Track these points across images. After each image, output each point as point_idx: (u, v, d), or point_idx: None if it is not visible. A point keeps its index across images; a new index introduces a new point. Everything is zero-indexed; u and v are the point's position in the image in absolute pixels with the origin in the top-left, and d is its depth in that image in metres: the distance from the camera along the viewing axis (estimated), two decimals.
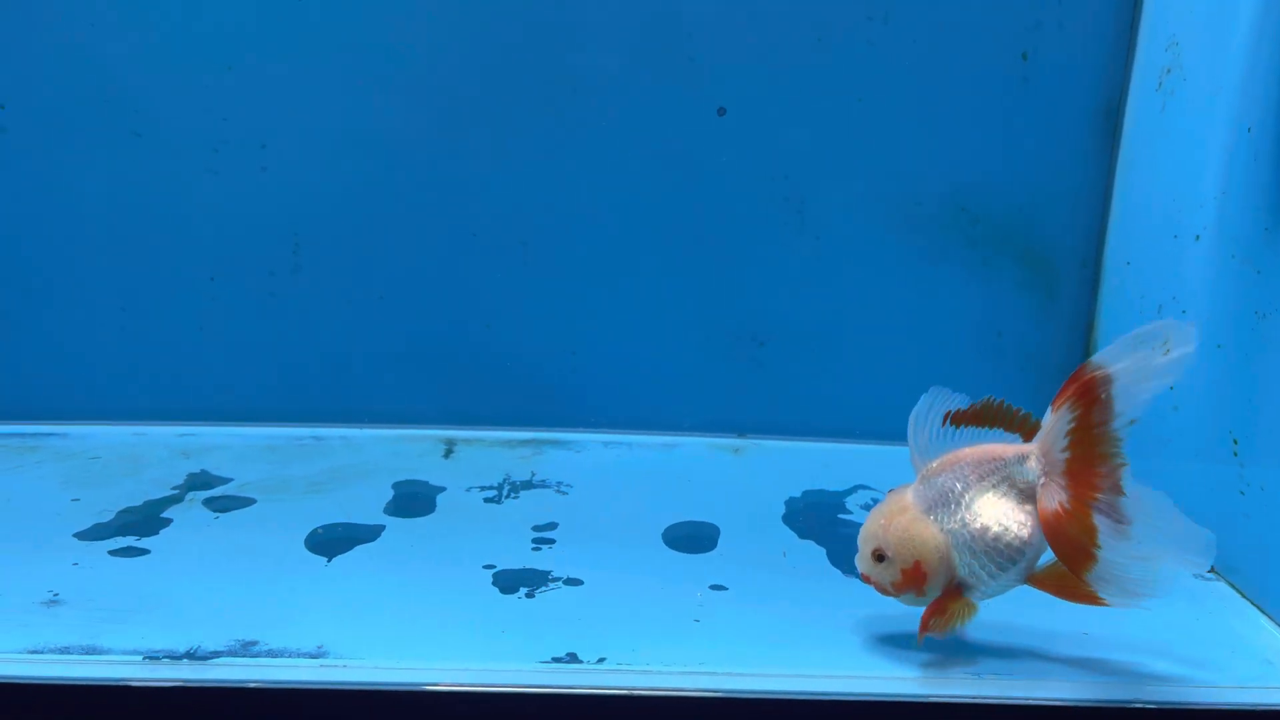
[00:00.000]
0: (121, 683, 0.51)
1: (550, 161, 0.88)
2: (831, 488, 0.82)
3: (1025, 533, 0.53)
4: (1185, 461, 0.73)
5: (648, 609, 0.61)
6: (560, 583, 0.64)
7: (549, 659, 0.55)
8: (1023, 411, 0.55)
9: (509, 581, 0.64)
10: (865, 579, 0.57)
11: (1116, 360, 0.51)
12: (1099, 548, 0.50)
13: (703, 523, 0.74)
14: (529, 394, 0.92)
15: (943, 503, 0.54)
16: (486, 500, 0.77)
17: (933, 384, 0.96)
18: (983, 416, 0.55)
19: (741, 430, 0.93)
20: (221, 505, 0.74)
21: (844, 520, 0.76)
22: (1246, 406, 0.67)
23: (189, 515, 0.72)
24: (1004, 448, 0.54)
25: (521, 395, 0.92)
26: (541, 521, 0.73)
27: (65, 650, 0.54)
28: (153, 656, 0.53)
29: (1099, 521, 0.50)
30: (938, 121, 0.88)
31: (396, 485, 0.79)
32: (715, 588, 0.64)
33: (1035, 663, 0.56)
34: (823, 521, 0.75)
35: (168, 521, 0.70)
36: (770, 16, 0.86)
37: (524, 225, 0.89)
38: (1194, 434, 0.73)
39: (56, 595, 0.59)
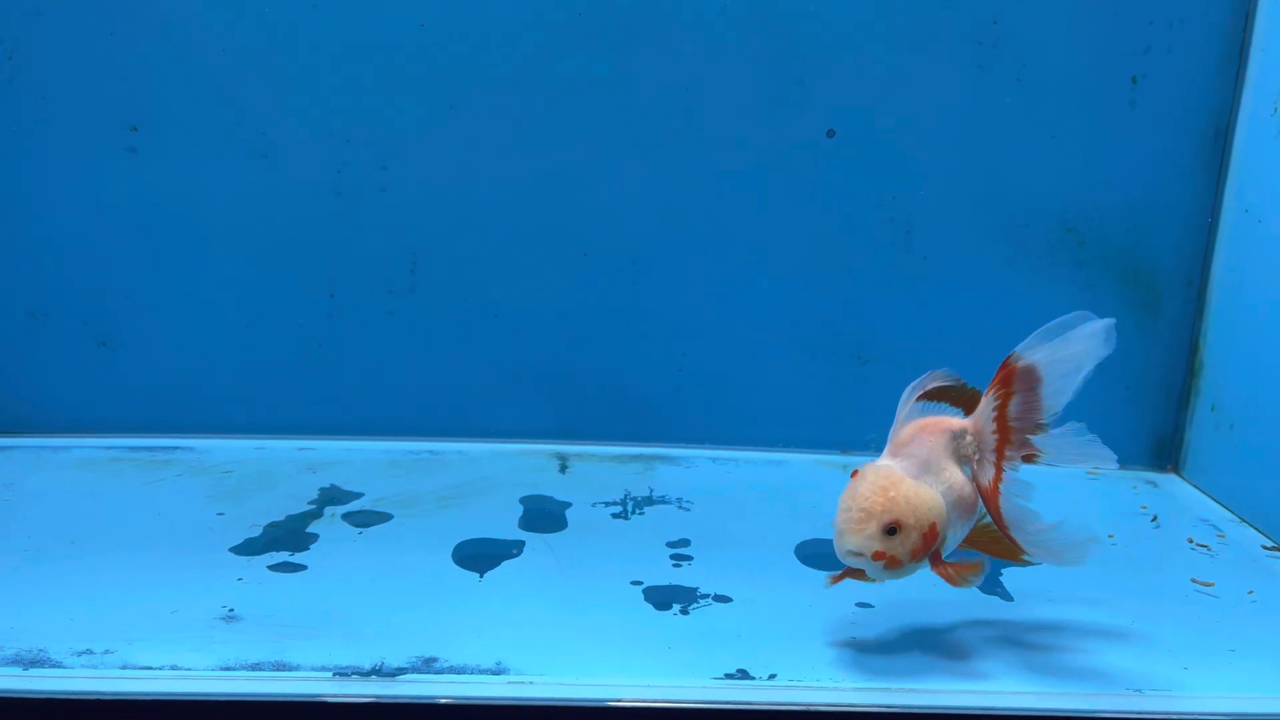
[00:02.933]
0: (316, 699, 0.53)
1: (659, 182, 0.90)
2: None
3: (973, 493, 0.58)
4: None
5: (802, 625, 0.62)
6: (710, 599, 0.65)
7: (721, 675, 0.56)
8: (969, 387, 0.59)
9: (660, 598, 0.65)
10: (850, 573, 0.57)
11: (1035, 352, 0.57)
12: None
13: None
14: (638, 410, 0.94)
15: (926, 469, 0.56)
16: (614, 516, 0.78)
17: None
18: (947, 394, 0.59)
19: (845, 447, 0.94)
20: (361, 520, 0.76)
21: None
22: None
23: (333, 530, 0.74)
24: (950, 420, 0.59)
25: (630, 411, 0.94)
26: (673, 538, 0.75)
27: (256, 666, 0.55)
28: (342, 673, 0.55)
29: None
30: (1045, 143, 0.89)
31: (524, 500, 0.80)
32: (861, 605, 0.65)
33: None
34: None
35: (314, 536, 0.72)
36: (879, 40, 0.88)
37: (633, 244, 0.91)
38: None
39: (232, 611, 0.61)
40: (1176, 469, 0.92)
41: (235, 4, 0.84)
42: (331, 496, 0.80)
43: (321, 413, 0.92)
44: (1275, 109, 0.81)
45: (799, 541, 0.74)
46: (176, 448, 0.88)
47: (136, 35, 0.84)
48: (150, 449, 0.88)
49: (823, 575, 0.69)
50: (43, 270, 0.88)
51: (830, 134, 0.89)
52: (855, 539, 0.54)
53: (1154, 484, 0.90)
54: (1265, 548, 0.77)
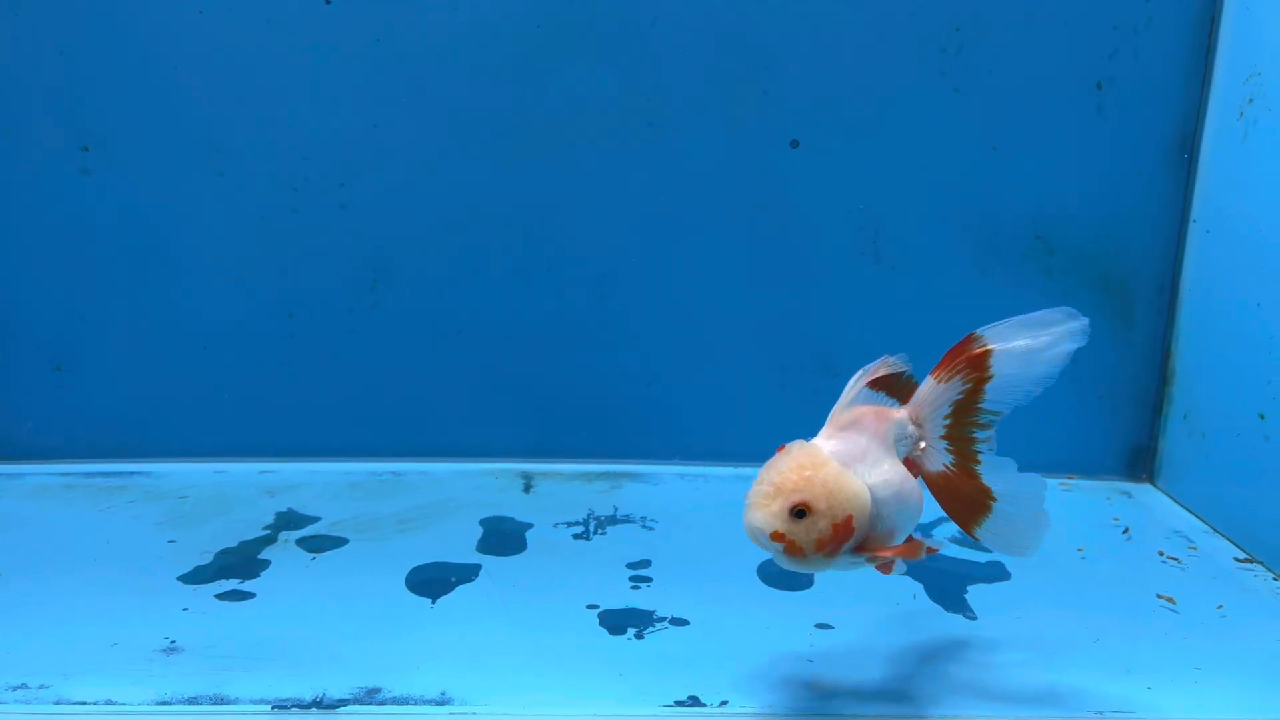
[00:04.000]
0: None
1: (624, 195, 0.88)
2: None
3: (915, 487, 0.54)
4: None
5: (758, 649, 0.61)
6: (666, 622, 0.64)
7: (671, 703, 0.55)
8: (905, 375, 0.56)
9: (615, 622, 0.64)
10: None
11: (1008, 340, 0.53)
12: (995, 500, 0.54)
13: None
14: (605, 426, 0.92)
15: (860, 457, 0.52)
16: (575, 537, 0.77)
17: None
18: (891, 383, 0.56)
19: None
20: (315, 545, 0.74)
21: (936, 555, 0.75)
22: None
23: (286, 556, 0.72)
24: (889, 410, 0.55)
25: (598, 428, 0.92)
26: (634, 559, 0.73)
27: (193, 700, 0.54)
28: (281, 705, 0.53)
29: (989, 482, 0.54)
30: (1012, 151, 0.88)
31: (484, 522, 0.79)
32: (821, 625, 0.64)
33: None
34: None
35: (266, 563, 0.71)
36: (842, 50, 0.87)
37: (598, 259, 0.90)
38: None
39: (174, 643, 0.60)
40: (1151, 479, 0.91)
41: (188, 22, 0.83)
42: (288, 521, 0.78)
43: (283, 434, 0.90)
44: (1241, 113, 0.80)
45: (762, 560, 0.73)
46: (134, 473, 0.87)
47: (87, 54, 0.83)
48: (106, 474, 0.86)
49: (785, 594, 0.69)
50: None
51: (794, 144, 0.88)
52: (758, 514, 0.50)
53: (1128, 494, 0.89)
54: (1237, 559, 0.75)
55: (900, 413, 0.55)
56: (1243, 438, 0.78)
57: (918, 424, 0.55)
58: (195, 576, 0.68)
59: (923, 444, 0.55)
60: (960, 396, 0.54)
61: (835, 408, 0.55)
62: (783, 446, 0.53)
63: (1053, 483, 0.91)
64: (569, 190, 0.88)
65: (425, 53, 0.85)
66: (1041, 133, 0.87)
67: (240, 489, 0.84)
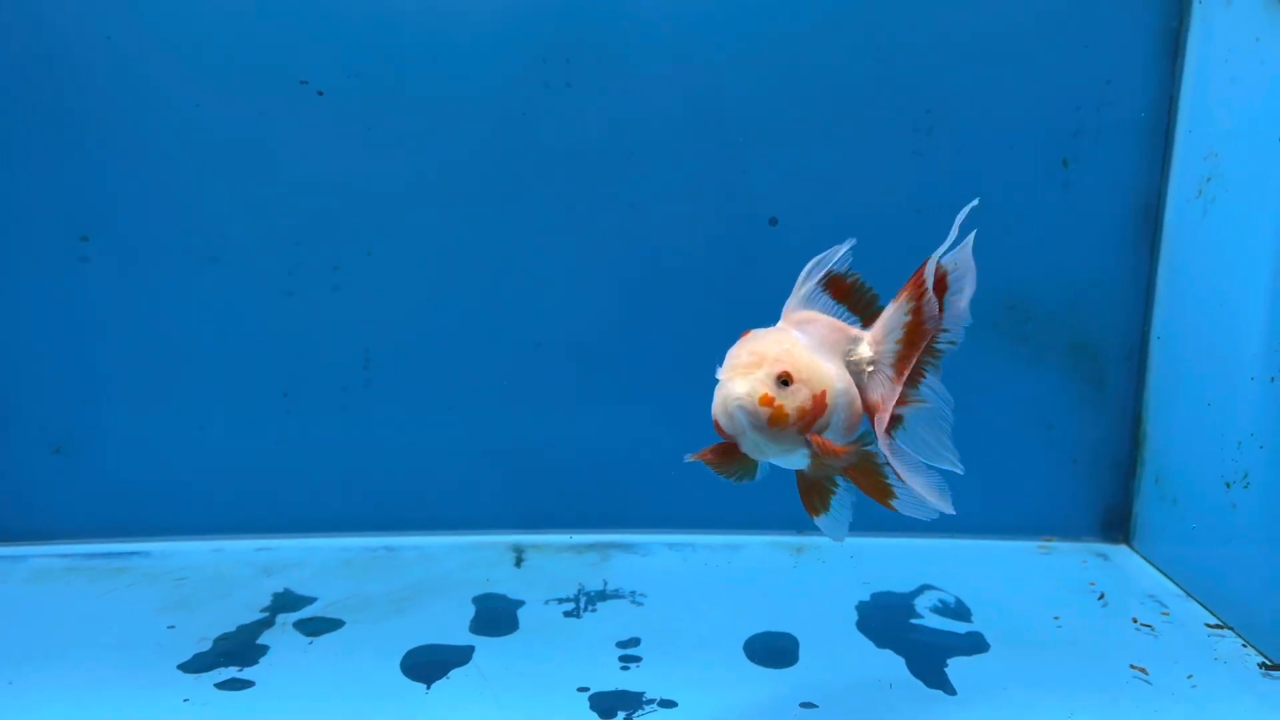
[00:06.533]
0: None
1: (607, 271, 0.91)
2: (898, 589, 0.84)
3: (858, 395, 0.54)
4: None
5: None
6: (655, 704, 0.66)
7: None
8: (870, 294, 0.56)
9: (606, 705, 0.66)
10: (714, 453, 0.53)
11: (960, 265, 0.55)
12: (840, 458, 0.53)
13: (781, 633, 0.76)
14: (593, 495, 0.94)
15: (816, 349, 0.53)
16: (566, 614, 0.79)
17: (985, 476, 0.99)
18: (850, 295, 0.56)
19: (800, 526, 0.95)
20: (312, 629, 0.76)
21: (916, 625, 0.77)
22: None
23: (284, 641, 0.74)
24: (847, 327, 0.56)
25: (586, 497, 0.94)
26: (624, 637, 0.75)
27: None
28: None
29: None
30: (984, 225, 0.90)
31: (476, 600, 0.81)
32: (806, 705, 0.66)
33: None
34: (896, 627, 0.77)
35: (264, 649, 0.73)
36: (820, 129, 0.90)
37: (584, 334, 0.92)
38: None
39: None
40: (1128, 540, 0.93)
41: (185, 115, 0.86)
42: (285, 602, 0.80)
43: (279, 511, 0.92)
44: (1200, 190, 0.83)
45: (747, 637, 0.75)
46: (133, 553, 0.88)
47: (85, 146, 0.86)
48: (106, 555, 0.88)
49: (770, 672, 0.70)
50: None
51: (773, 222, 0.91)
52: (744, 383, 0.49)
53: (1105, 556, 0.91)
54: (1208, 625, 0.78)
55: (856, 331, 0.56)
56: (1210, 504, 0.81)
57: (874, 345, 0.55)
58: (195, 665, 0.70)
59: (871, 367, 0.55)
60: (909, 316, 0.54)
61: (788, 304, 0.55)
62: (747, 331, 0.53)
63: (1031, 545, 0.94)
64: (553, 268, 0.91)
65: (413, 141, 0.88)
66: (1012, 207, 0.90)
67: (238, 568, 0.86)
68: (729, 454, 0.54)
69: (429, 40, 0.87)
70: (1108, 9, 0.88)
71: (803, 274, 0.55)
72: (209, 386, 0.91)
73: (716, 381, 0.51)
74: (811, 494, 0.58)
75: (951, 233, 0.55)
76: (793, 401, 0.50)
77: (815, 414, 0.51)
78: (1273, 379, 0.73)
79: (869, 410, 0.55)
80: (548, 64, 0.88)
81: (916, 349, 0.54)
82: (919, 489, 0.53)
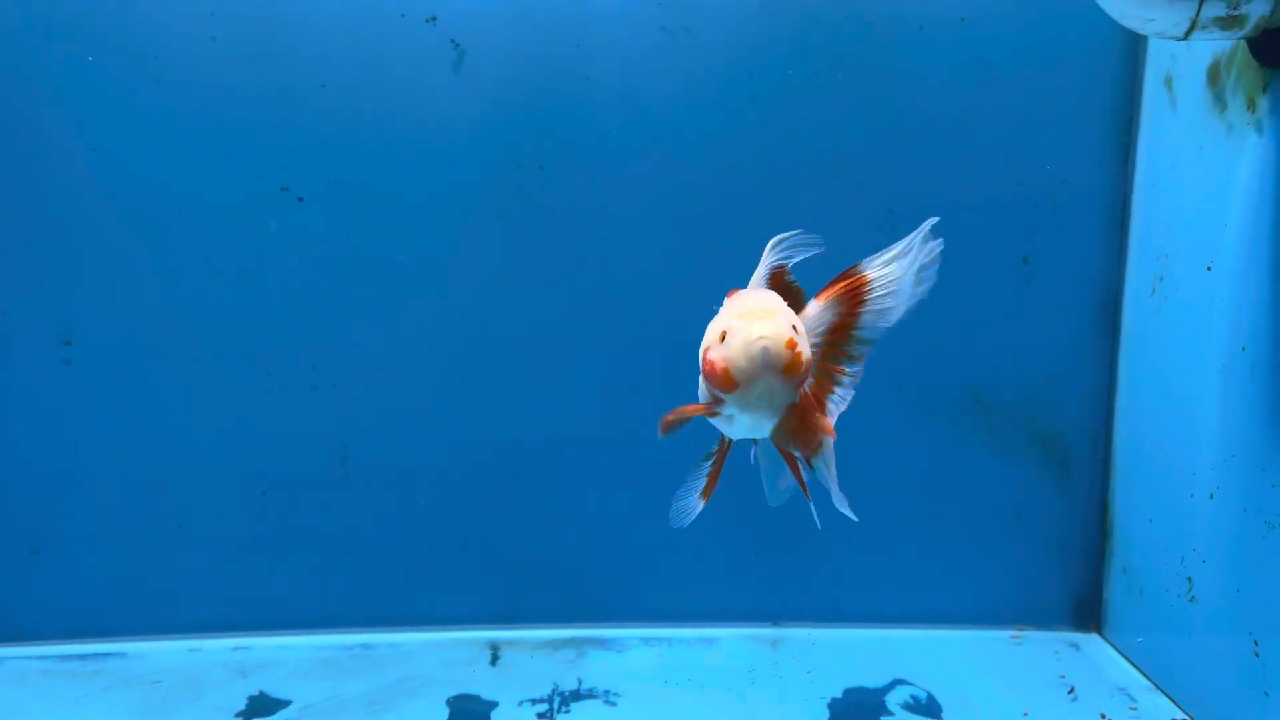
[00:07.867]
0: None
1: (580, 367, 0.93)
2: (870, 684, 0.84)
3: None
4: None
5: None
6: None
7: None
8: (795, 285, 0.58)
9: None
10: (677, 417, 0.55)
11: (884, 268, 0.56)
12: (832, 437, 0.56)
13: None
14: (568, 590, 0.95)
15: None
16: (539, 716, 0.79)
17: (958, 565, 1.00)
18: (784, 288, 0.57)
19: (776, 618, 0.96)
20: None
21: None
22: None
23: None
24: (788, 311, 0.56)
25: (561, 592, 0.95)
26: None
27: None
28: None
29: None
30: (947, 320, 0.94)
31: (451, 701, 0.81)
32: None
33: None
34: None
35: None
36: (785, 227, 0.92)
37: (559, 431, 0.94)
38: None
39: None
40: (1099, 629, 0.94)
41: (167, 220, 0.88)
42: (260, 706, 0.80)
43: (255, 609, 0.93)
44: (1154, 289, 0.86)
45: None
46: (109, 654, 0.89)
47: (65, 251, 0.88)
48: (82, 657, 0.88)
49: None
50: None
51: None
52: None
53: (1076, 646, 0.92)
54: None
55: (793, 316, 0.56)
56: (1173, 595, 0.82)
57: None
58: None
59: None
60: (836, 319, 0.56)
61: (755, 275, 0.57)
62: (733, 291, 0.54)
63: (1004, 635, 0.95)
64: (529, 366, 0.92)
65: (390, 244, 0.90)
66: (974, 302, 0.93)
67: (212, 670, 0.86)
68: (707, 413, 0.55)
69: (407, 148, 0.89)
70: (1063, 110, 0.91)
71: (768, 248, 0.57)
72: (188, 485, 0.92)
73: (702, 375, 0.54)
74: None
75: (902, 243, 0.58)
76: (806, 347, 0.51)
77: (807, 375, 0.52)
78: (1211, 496, 0.75)
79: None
80: (523, 169, 0.90)
81: (834, 349, 0.57)
82: (836, 490, 0.56)
